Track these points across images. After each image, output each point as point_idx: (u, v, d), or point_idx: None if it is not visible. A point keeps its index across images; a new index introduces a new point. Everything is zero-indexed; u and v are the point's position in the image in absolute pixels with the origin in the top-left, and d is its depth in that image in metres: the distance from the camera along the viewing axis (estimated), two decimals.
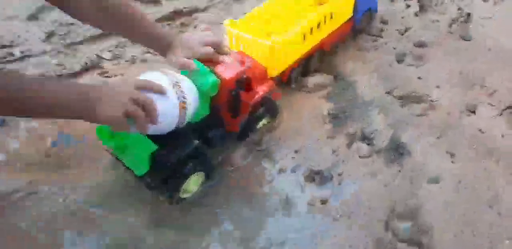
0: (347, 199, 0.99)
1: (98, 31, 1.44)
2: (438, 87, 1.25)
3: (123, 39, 1.41)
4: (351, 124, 1.16)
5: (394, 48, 1.38)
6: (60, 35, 1.44)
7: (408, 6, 1.53)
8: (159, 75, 0.85)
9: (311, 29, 1.20)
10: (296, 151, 1.09)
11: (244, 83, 0.98)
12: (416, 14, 1.50)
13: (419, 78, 1.28)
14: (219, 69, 0.94)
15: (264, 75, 1.07)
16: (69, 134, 1.13)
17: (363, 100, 1.22)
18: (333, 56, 1.35)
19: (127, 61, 1.36)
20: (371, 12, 1.44)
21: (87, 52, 1.38)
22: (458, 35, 1.42)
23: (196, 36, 0.94)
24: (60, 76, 1.29)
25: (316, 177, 1.04)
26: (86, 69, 1.32)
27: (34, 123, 1.16)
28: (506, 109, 1.18)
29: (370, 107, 1.20)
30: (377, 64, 1.33)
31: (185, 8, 1.56)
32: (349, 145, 1.11)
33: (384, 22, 1.47)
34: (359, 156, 1.09)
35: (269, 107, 1.12)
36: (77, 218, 0.96)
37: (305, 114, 1.18)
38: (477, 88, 1.25)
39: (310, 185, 1.02)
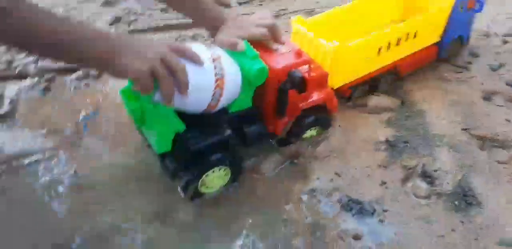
0: (385, 241, 0.79)
1: (164, 22, 1.40)
2: None
3: (183, 32, 1.36)
4: (411, 157, 0.96)
5: (482, 84, 1.18)
6: (126, 21, 1.42)
7: (506, 42, 1.32)
8: (201, 47, 0.76)
9: (388, 44, 1.05)
10: (337, 174, 0.91)
11: (296, 80, 0.85)
12: None
13: (507, 120, 1.06)
14: (270, 57, 0.82)
15: (323, 80, 0.93)
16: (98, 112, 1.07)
17: (432, 133, 1.02)
18: (406, 80, 1.18)
19: None
20: (461, 41, 1.26)
21: None
22: None
23: (251, 18, 0.84)
24: None
25: (355, 207, 0.85)
26: None
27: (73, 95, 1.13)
28: None
29: (439, 142, 1.00)
30: (457, 97, 1.13)
31: None
32: (404, 180, 0.91)
33: (474, 55, 1.28)
34: (415, 195, 0.88)
35: (321, 118, 0.97)
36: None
37: (358, 136, 1.01)
38: None
39: (345, 215, 0.83)
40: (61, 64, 1.17)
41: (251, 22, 0.83)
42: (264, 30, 0.82)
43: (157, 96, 0.70)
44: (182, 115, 0.79)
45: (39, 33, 0.60)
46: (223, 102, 0.77)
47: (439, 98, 1.12)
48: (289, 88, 0.84)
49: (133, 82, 0.67)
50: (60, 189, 0.89)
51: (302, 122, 0.93)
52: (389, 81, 1.15)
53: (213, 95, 0.74)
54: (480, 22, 1.41)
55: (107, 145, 0.99)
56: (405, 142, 1.00)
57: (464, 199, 0.87)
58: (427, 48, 1.19)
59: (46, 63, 1.18)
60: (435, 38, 1.19)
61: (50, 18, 0.61)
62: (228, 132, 0.82)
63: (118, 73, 0.66)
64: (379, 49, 1.05)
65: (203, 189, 0.86)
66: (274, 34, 0.83)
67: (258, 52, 0.79)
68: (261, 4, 1.59)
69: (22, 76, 1.16)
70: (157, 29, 1.39)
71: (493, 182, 0.91)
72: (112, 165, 0.95)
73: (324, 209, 0.85)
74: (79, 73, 1.18)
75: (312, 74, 0.89)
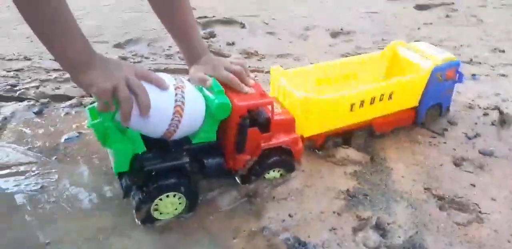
0: None
1: (166, 66, 1.53)
2: (493, 200, 1.02)
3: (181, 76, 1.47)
4: (367, 209, 0.97)
5: (454, 150, 1.20)
6: (130, 62, 1.55)
7: (486, 114, 1.37)
8: (167, 75, 0.83)
9: (362, 102, 1.11)
10: (290, 215, 0.92)
11: (261, 119, 0.91)
12: (492, 124, 1.32)
13: (472, 185, 1.07)
14: (235, 95, 0.89)
15: (289, 125, 0.99)
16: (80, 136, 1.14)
17: (393, 189, 1.04)
18: (379, 138, 1.22)
19: None
20: (441, 109, 1.32)
21: None
22: None
23: (224, 59, 0.93)
24: None
25: (299, 247, 0.84)
26: None
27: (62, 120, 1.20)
28: None
29: (398, 198, 1.01)
30: (426, 160, 1.16)
31: None
32: (355, 230, 0.91)
33: (452, 123, 1.32)
34: (364, 245, 0.88)
35: (284, 161, 1.00)
36: None
37: (320, 182, 1.03)
38: None
39: None
40: (58, 91, 1.28)
41: (223, 63, 0.92)
42: (231, 75, 0.90)
43: (117, 116, 0.76)
44: (147, 138, 0.84)
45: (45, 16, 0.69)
46: (183, 129, 0.83)
47: (407, 159, 1.15)
48: (249, 125, 0.89)
49: (95, 98, 0.74)
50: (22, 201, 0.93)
51: (264, 162, 0.97)
52: (363, 137, 1.20)
53: (171, 120, 0.79)
54: (466, 96, 1.48)
55: (78, 165, 1.04)
56: (365, 195, 1.01)
57: None
58: (404, 111, 1.24)
59: (46, 89, 1.29)
60: (412, 103, 1.24)
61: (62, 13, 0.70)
62: (186, 159, 0.86)
63: (82, 85, 0.73)
64: (352, 106, 1.10)
65: (156, 214, 0.88)
66: (241, 77, 0.91)
67: (223, 89, 0.86)
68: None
69: (21, 98, 1.26)
70: (156, 71, 1.50)
71: (445, 242, 0.90)
72: (76, 183, 0.99)
73: (268, 247, 0.85)
74: (73, 101, 1.28)
75: (277, 116, 0.95)
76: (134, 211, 0.87)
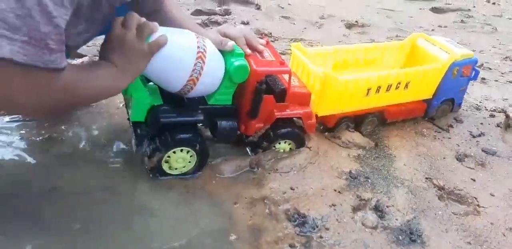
0: None
1: None
2: (492, 195, 1.03)
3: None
4: (368, 191, 0.97)
5: (458, 145, 1.21)
6: None
7: (493, 116, 1.37)
8: (191, 34, 0.83)
9: (378, 88, 1.11)
10: (291, 188, 0.92)
11: (275, 86, 0.92)
12: (498, 125, 1.33)
13: (472, 179, 1.08)
14: (255, 60, 0.89)
15: (305, 99, 0.99)
16: None
17: (394, 175, 1.04)
18: (385, 128, 1.22)
19: None
20: (453, 105, 1.32)
21: None
22: None
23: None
24: None
25: (299, 219, 0.85)
26: None
27: None
28: None
29: (399, 184, 1.01)
30: (429, 151, 1.16)
31: None
32: (355, 209, 0.92)
33: (459, 121, 1.33)
34: (362, 224, 0.88)
35: (295, 134, 1.00)
36: None
37: (324, 161, 1.03)
38: None
39: (287, 224, 0.83)
40: None
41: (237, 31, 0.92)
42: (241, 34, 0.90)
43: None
44: (165, 95, 0.85)
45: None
46: (200, 88, 0.83)
47: (410, 149, 1.16)
48: (265, 92, 0.89)
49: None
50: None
51: (276, 132, 0.97)
52: (373, 123, 1.20)
53: (190, 76, 0.80)
54: (473, 97, 1.49)
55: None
56: (366, 177, 1.01)
57: (409, 236, 0.87)
58: (416, 103, 1.24)
59: None
60: (426, 94, 1.24)
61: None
62: (201, 117, 0.86)
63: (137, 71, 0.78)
64: (368, 90, 1.10)
65: (165, 167, 0.89)
66: (249, 40, 0.91)
67: (243, 52, 0.86)
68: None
69: None
70: None
71: (441, 229, 0.90)
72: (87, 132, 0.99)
73: (268, 215, 0.85)
74: (85, 59, 1.26)
75: (294, 88, 0.95)
76: (146, 158, 0.87)
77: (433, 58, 1.25)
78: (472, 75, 1.28)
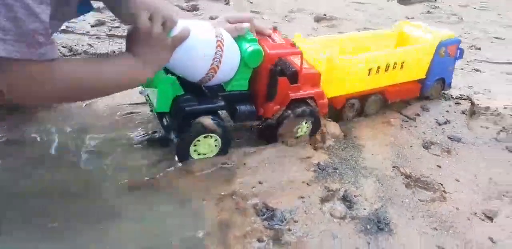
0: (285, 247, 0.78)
1: None
2: (457, 181, 1.06)
3: None
4: (336, 182, 0.98)
5: (424, 133, 1.24)
6: (109, 26, 1.51)
7: (458, 103, 1.41)
8: (208, 25, 0.89)
9: (378, 68, 1.18)
10: (260, 182, 0.93)
11: (287, 69, 0.97)
12: (463, 113, 1.36)
13: (438, 166, 1.10)
14: (267, 44, 0.95)
15: (316, 80, 1.05)
16: None
17: (362, 165, 1.05)
18: (353, 122, 1.24)
19: None
20: (444, 84, 1.41)
21: None
22: (504, 146, 1.23)
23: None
24: None
25: (267, 213, 0.85)
26: None
27: None
28: None
29: (367, 174, 1.03)
30: (396, 141, 1.18)
31: None
32: (323, 200, 0.92)
33: (425, 109, 1.35)
34: (330, 214, 0.89)
35: (312, 111, 1.04)
36: None
37: (293, 153, 1.03)
38: (506, 200, 1.02)
39: (255, 219, 0.83)
40: None
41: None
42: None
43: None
44: (184, 85, 0.90)
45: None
46: (219, 76, 0.89)
47: (378, 139, 1.17)
48: (280, 72, 0.94)
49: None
50: None
51: (294, 111, 1.01)
52: (377, 104, 1.27)
53: (211, 65, 0.86)
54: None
55: None
56: (335, 168, 1.02)
57: (376, 224, 0.88)
58: (412, 83, 1.33)
59: None
60: (420, 74, 1.32)
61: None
62: (222, 103, 0.92)
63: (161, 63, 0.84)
64: (369, 70, 1.16)
65: (194, 155, 0.94)
66: (255, 24, 0.96)
67: (256, 38, 0.92)
68: None
69: None
70: None
71: (408, 216, 0.92)
72: None
73: (236, 210, 0.85)
74: None
75: (305, 70, 1.00)
76: (176, 147, 0.92)
77: (421, 41, 1.35)
78: (458, 55, 1.37)
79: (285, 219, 0.84)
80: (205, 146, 0.93)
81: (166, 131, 0.93)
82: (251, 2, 2.21)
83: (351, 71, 1.13)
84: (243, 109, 0.95)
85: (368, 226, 0.87)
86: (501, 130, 1.29)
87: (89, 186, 0.87)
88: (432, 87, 1.37)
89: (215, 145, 0.95)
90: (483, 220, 0.94)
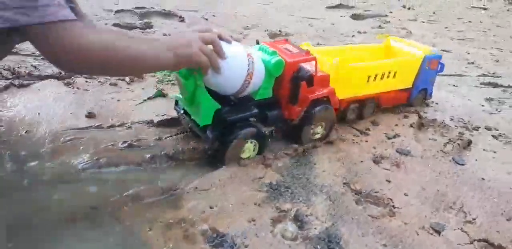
0: None
1: None
2: (406, 195, 1.08)
3: None
4: (288, 202, 0.98)
5: (374, 148, 1.26)
6: None
7: (406, 117, 1.45)
8: (237, 43, 0.99)
9: (375, 75, 1.32)
10: (210, 207, 0.91)
11: (306, 75, 1.08)
12: (411, 126, 1.40)
13: (388, 181, 1.12)
14: (285, 54, 1.07)
15: (326, 81, 1.18)
16: None
17: (314, 183, 1.06)
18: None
19: None
20: (426, 94, 1.55)
21: None
22: (451, 157, 1.28)
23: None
24: None
25: (216, 239, 0.83)
26: None
27: None
28: (480, 241, 0.97)
29: (318, 191, 1.03)
30: (348, 156, 1.20)
31: None
32: (274, 221, 0.92)
33: (375, 123, 1.39)
34: (282, 236, 0.88)
35: (327, 108, 1.19)
36: None
37: (245, 175, 1.03)
38: (453, 212, 1.05)
39: (202, 246, 0.82)
40: None
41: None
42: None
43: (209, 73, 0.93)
44: (218, 99, 1.00)
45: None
46: (250, 88, 1.00)
47: (330, 154, 1.19)
48: (301, 78, 1.07)
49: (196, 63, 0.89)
50: None
51: (312, 111, 1.15)
52: (372, 109, 1.43)
53: (244, 80, 0.97)
54: None
55: None
56: (287, 187, 1.03)
57: (327, 244, 0.88)
58: (401, 91, 1.48)
59: None
60: (408, 84, 1.49)
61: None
62: (256, 110, 1.05)
63: (188, 60, 0.88)
64: (368, 77, 1.33)
65: (242, 155, 1.08)
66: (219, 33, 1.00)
67: (276, 50, 1.04)
68: None
69: None
70: None
71: (358, 233, 0.93)
72: None
73: (185, 238, 0.83)
74: None
75: (318, 73, 1.14)
76: (217, 153, 1.03)
77: (409, 54, 1.52)
78: (439, 68, 1.53)
79: (235, 245, 0.83)
80: (246, 150, 1.07)
81: (212, 141, 1.03)
82: (207, 19, 2.22)
83: (355, 77, 1.29)
84: (272, 114, 1.10)
85: (319, 247, 0.87)
86: (447, 142, 1.33)
87: (24, 219, 0.82)
88: (417, 97, 1.52)
89: (254, 148, 1.08)
90: (431, 233, 0.97)
